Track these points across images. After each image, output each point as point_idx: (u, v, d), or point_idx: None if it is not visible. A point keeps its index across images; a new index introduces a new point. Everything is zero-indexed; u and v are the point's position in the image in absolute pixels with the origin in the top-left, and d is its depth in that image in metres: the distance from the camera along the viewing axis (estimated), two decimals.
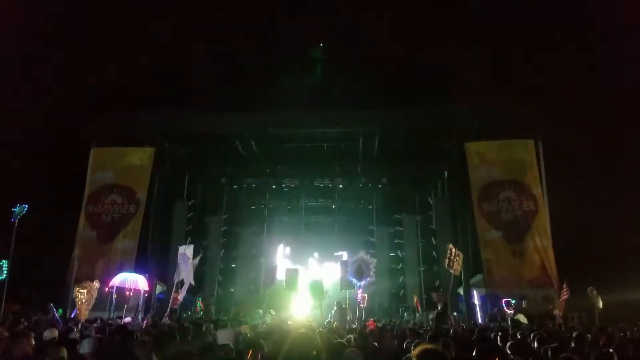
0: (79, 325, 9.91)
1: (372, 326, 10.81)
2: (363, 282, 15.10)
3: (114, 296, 14.93)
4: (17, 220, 13.23)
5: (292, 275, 14.82)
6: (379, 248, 22.46)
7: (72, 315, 14.40)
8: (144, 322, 12.48)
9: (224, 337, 6.85)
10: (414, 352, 3.35)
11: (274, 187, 23.77)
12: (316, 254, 20.76)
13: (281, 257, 20.75)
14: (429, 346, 3.38)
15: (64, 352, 4.83)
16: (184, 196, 21.91)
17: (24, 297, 17.01)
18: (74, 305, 14.65)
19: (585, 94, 18.15)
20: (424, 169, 21.93)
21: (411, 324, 13.55)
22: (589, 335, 6.93)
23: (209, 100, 18.96)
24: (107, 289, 15.00)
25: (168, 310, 14.40)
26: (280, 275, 15.24)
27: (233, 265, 23.49)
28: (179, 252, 14.77)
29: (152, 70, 19.56)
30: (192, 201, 22.30)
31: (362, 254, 15.59)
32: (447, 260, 14.04)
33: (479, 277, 17.52)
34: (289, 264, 18.27)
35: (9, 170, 17.04)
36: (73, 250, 17.53)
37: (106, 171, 18.74)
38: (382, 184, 23.30)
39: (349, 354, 4.82)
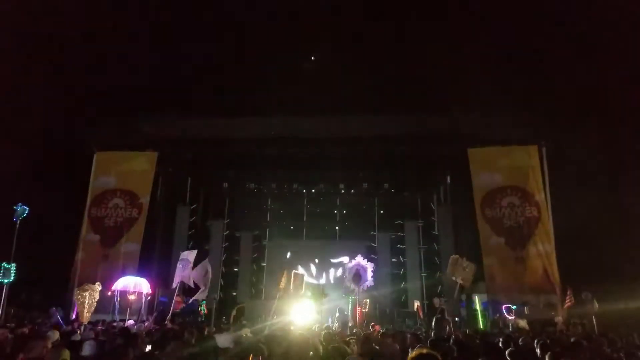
0: (82, 328, 9.94)
1: (377, 330, 10.82)
2: (361, 287, 15.11)
3: (117, 299, 14.99)
4: (18, 221, 13.29)
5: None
6: (380, 253, 22.45)
7: (74, 318, 14.42)
8: (147, 325, 12.51)
9: (225, 340, 6.86)
10: (411, 355, 3.37)
11: (275, 191, 23.78)
12: (317, 260, 20.73)
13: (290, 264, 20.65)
14: (424, 351, 3.40)
15: (67, 354, 4.85)
16: (186, 200, 22.00)
17: (25, 299, 17.03)
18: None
19: (588, 99, 18.11)
20: (427, 174, 21.86)
21: (412, 329, 13.52)
22: (584, 342, 6.87)
23: (211, 105, 19.05)
24: (110, 292, 15.06)
25: (170, 313, 14.44)
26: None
27: (235, 269, 23.56)
28: (181, 257, 14.81)
29: (155, 75, 19.65)
30: (195, 205, 22.43)
31: (359, 259, 15.63)
32: (452, 269, 13.92)
33: (480, 282, 17.45)
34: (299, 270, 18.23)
35: (11, 174, 17.10)
36: (76, 254, 17.59)
37: (109, 175, 18.82)
38: (384, 190, 23.27)
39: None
